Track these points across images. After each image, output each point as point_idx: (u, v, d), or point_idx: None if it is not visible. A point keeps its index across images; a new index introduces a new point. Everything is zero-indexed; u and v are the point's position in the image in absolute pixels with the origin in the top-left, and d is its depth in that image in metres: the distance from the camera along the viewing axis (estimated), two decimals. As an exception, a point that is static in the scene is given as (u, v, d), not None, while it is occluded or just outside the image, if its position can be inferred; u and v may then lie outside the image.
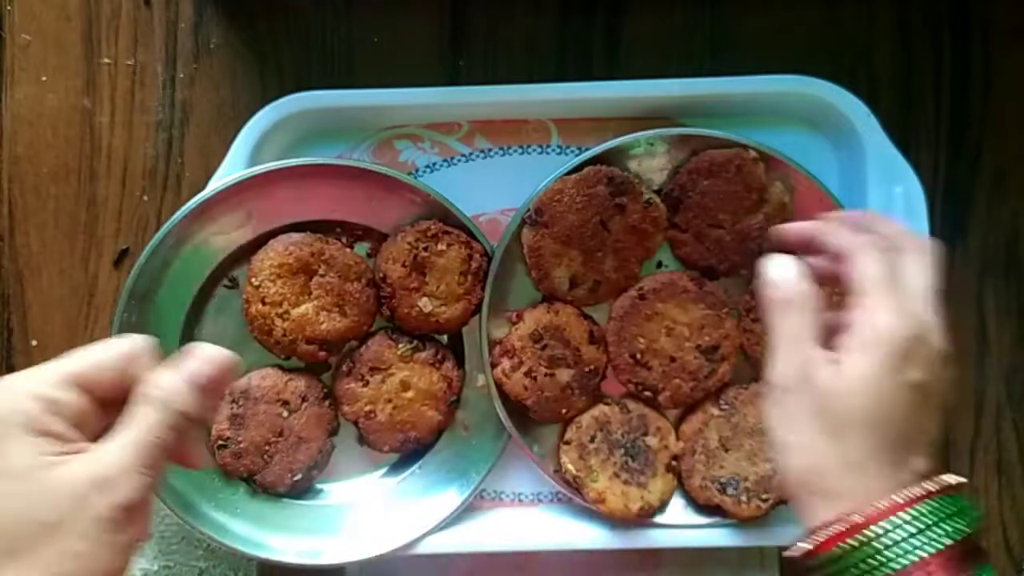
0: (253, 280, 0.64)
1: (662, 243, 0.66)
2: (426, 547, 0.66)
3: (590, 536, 0.66)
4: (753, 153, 0.64)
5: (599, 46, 0.70)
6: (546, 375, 0.65)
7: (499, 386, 0.65)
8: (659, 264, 0.68)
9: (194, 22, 0.71)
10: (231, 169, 0.64)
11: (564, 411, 0.65)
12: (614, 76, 0.69)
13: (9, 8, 0.70)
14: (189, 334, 0.67)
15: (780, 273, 0.50)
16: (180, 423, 0.42)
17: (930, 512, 0.44)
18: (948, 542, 0.43)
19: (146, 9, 0.71)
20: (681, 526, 0.66)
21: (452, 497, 0.67)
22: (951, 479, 0.46)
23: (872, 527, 0.44)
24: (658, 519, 0.66)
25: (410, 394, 0.66)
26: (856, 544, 0.44)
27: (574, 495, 0.66)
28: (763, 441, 0.65)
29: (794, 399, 0.48)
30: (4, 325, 0.71)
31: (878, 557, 0.44)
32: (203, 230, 0.65)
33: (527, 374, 0.64)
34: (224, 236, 0.65)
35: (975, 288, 0.70)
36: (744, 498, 0.64)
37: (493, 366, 0.65)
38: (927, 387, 0.47)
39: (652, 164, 0.65)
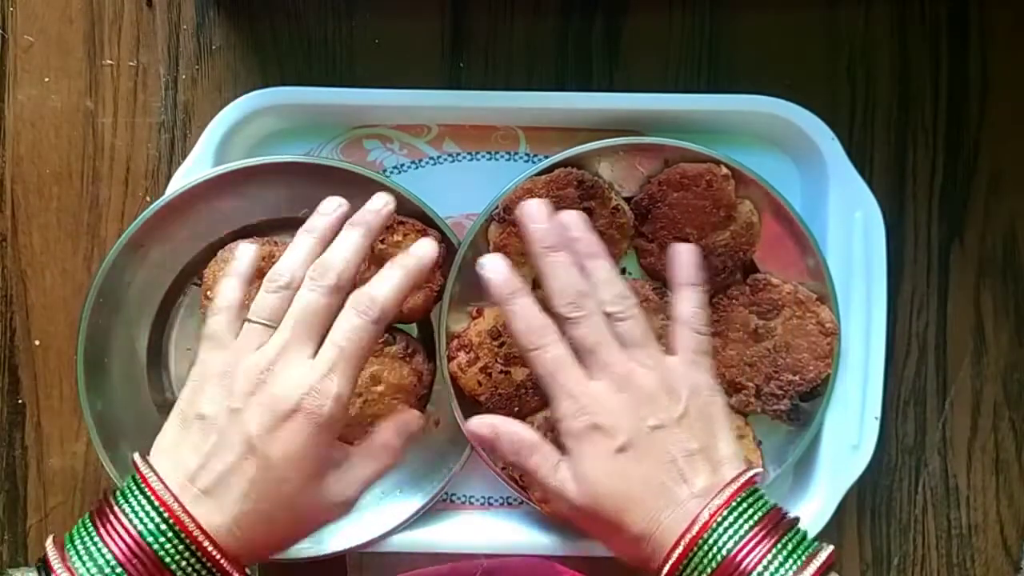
0: (208, 293, 0.64)
1: (628, 250, 0.66)
2: (389, 545, 0.66)
3: (537, 542, 0.66)
4: (725, 170, 0.64)
5: (599, 46, 0.71)
6: (501, 372, 0.65)
7: (454, 380, 0.65)
8: (624, 271, 0.68)
9: (196, 24, 0.71)
10: (197, 165, 0.65)
11: (516, 409, 0.65)
12: (614, 76, 0.70)
13: (11, 9, 0.71)
14: (161, 326, 0.68)
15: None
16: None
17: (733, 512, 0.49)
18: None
19: (148, 11, 0.71)
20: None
21: (420, 494, 0.67)
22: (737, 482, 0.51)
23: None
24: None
25: (380, 388, 0.66)
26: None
27: (520, 493, 0.66)
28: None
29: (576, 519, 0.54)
30: (7, 325, 0.71)
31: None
32: (174, 227, 0.65)
33: (482, 370, 0.65)
34: (193, 234, 0.66)
35: (973, 288, 0.71)
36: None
37: (450, 359, 0.65)
38: (627, 446, 0.51)
39: (624, 172, 0.65)
